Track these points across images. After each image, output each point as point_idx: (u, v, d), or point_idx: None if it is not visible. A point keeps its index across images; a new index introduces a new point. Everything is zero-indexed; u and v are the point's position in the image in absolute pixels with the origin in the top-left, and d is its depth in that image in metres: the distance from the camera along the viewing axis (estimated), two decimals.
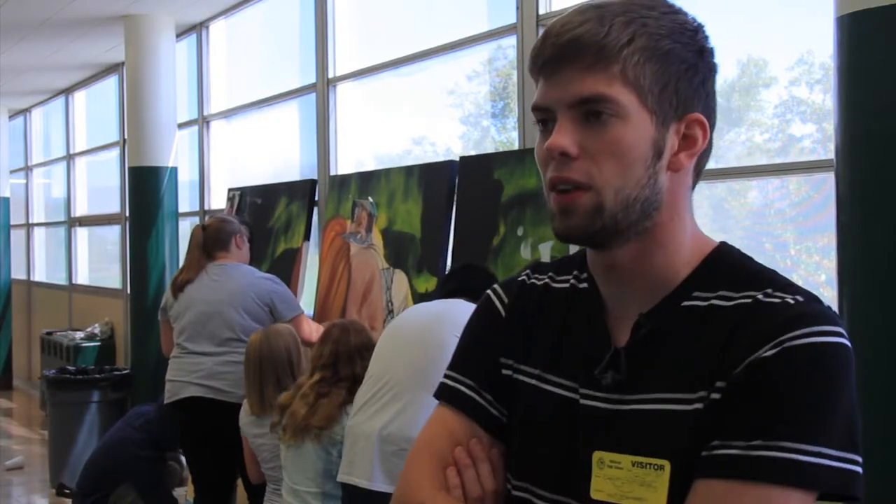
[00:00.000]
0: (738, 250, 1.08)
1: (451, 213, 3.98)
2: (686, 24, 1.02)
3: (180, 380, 3.96)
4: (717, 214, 3.47)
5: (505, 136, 4.60)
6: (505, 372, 1.15)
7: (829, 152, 2.73)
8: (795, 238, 3.23)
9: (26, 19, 6.47)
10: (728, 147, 3.43)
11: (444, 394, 1.18)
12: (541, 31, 4.22)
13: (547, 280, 1.18)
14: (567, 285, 1.15)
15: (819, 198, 3.03)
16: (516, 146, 3.93)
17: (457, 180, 3.98)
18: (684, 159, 1.03)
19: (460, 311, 2.96)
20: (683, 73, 1.01)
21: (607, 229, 1.01)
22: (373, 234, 4.43)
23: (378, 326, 4.21)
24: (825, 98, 3.08)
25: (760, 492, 0.91)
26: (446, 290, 3.14)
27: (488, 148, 4.67)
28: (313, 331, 4.02)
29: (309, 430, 3.12)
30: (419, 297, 3.95)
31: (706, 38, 1.04)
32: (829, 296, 2.73)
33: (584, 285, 1.13)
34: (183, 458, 4.93)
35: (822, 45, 2.91)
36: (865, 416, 2.17)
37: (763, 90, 3.33)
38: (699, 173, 1.08)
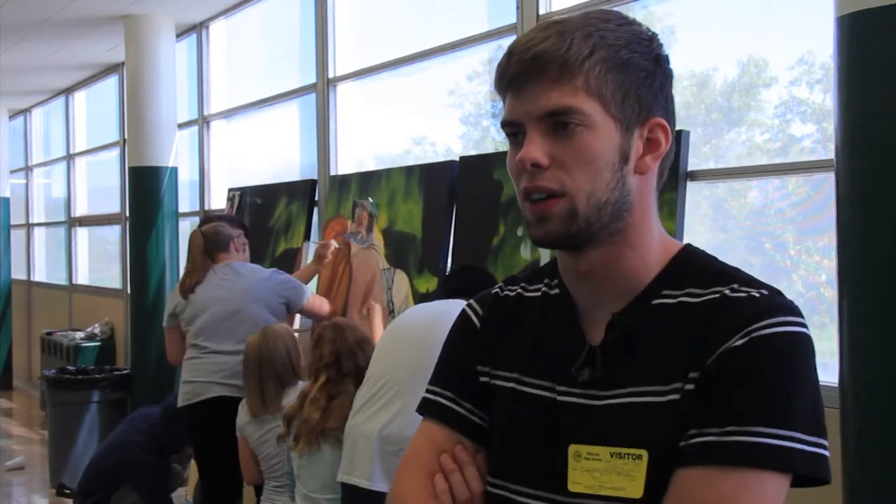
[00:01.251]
0: (703, 251, 1.14)
1: (451, 213, 3.98)
2: (641, 35, 1.08)
3: (202, 380, 3.93)
4: (717, 214, 3.47)
5: (505, 136, 4.60)
6: (482, 379, 1.20)
7: (829, 152, 2.74)
8: (795, 238, 3.23)
9: (26, 19, 6.47)
10: (728, 147, 3.43)
11: (427, 408, 1.24)
12: None
13: (519, 290, 1.23)
14: (539, 293, 1.21)
15: (819, 198, 3.03)
16: None
17: (457, 180, 3.99)
18: (649, 162, 1.09)
19: (460, 311, 2.96)
20: (643, 80, 1.07)
21: (582, 232, 1.06)
22: (373, 234, 4.43)
23: None
24: (825, 98, 3.08)
25: (737, 476, 0.95)
26: (446, 291, 3.15)
27: (488, 148, 4.67)
28: (323, 304, 4.22)
29: (326, 433, 3.11)
30: (420, 298, 3.95)
31: (661, 45, 1.11)
32: (829, 296, 2.73)
33: (556, 291, 1.18)
34: (184, 461, 4.94)
35: (822, 45, 2.91)
36: (866, 416, 2.17)
37: (763, 90, 3.33)
38: (663, 174, 1.14)
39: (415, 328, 2.98)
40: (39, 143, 10.97)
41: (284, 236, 5.22)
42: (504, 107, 1.10)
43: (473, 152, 4.55)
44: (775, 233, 3.34)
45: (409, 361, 2.88)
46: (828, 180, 2.68)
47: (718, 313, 1.03)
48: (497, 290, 1.26)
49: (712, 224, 3.40)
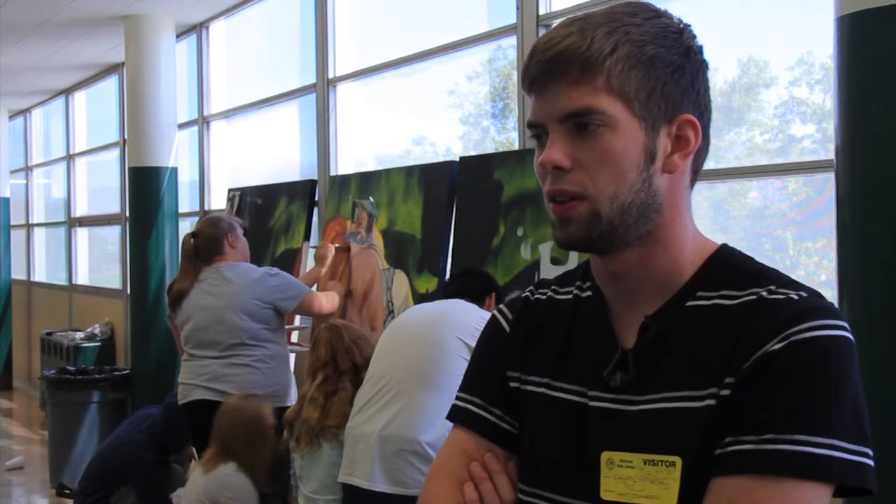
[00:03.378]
0: (740, 251, 1.10)
1: (451, 213, 3.98)
2: (670, 27, 1.04)
3: (189, 382, 3.97)
4: (717, 214, 3.47)
5: (505, 137, 4.60)
6: (512, 384, 1.16)
7: (829, 152, 2.74)
8: (795, 238, 3.23)
9: (26, 19, 6.47)
10: (728, 147, 3.43)
11: (456, 415, 1.20)
12: (541, 32, 4.20)
13: (550, 293, 1.20)
14: (570, 296, 1.17)
15: (818, 197, 3.03)
16: (516, 146, 3.93)
17: (457, 181, 3.98)
18: (678, 160, 1.05)
19: (460, 311, 2.96)
20: (670, 75, 1.02)
21: (605, 235, 1.03)
22: (373, 234, 4.43)
23: (378, 327, 4.21)
24: (825, 98, 3.08)
25: (776, 486, 0.91)
26: (447, 294, 3.17)
27: (488, 148, 4.67)
28: (325, 302, 4.06)
29: (325, 431, 3.12)
30: (420, 298, 3.96)
31: (693, 37, 1.05)
32: (829, 296, 2.73)
33: (588, 294, 1.14)
34: (185, 460, 4.93)
35: (822, 46, 2.91)
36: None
37: (763, 90, 3.33)
38: (697, 171, 1.10)
39: (414, 328, 2.98)
40: (39, 144, 10.97)
41: (284, 237, 5.22)
42: (530, 107, 1.07)
43: (473, 152, 4.55)
44: (775, 233, 3.34)
45: (408, 362, 2.88)
46: (828, 180, 2.68)
47: (755, 316, 0.99)
48: (527, 293, 1.22)
49: (712, 224, 3.40)
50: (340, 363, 3.24)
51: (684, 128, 1.04)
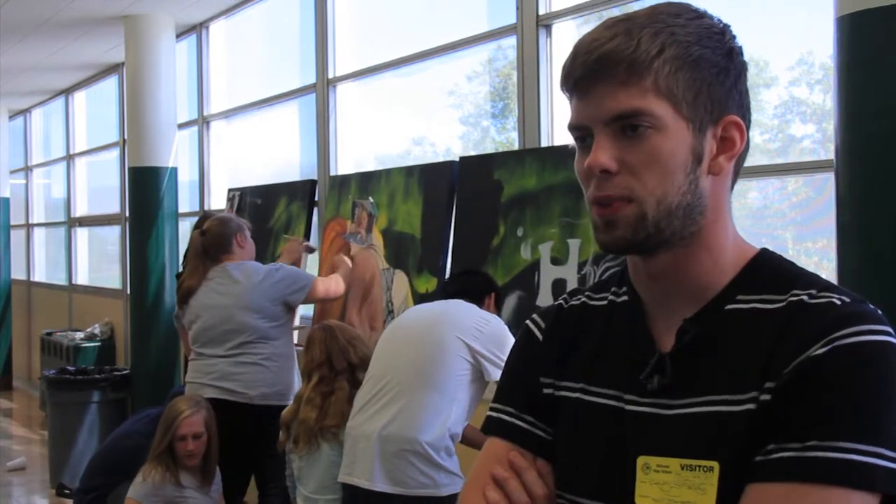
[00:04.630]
0: (781, 255, 1.09)
1: (451, 213, 3.98)
2: (712, 28, 1.03)
3: (197, 381, 3.97)
4: None
5: (505, 137, 4.61)
6: (546, 391, 1.15)
7: (829, 152, 2.74)
8: (795, 239, 3.23)
9: (26, 19, 6.47)
10: None
11: (489, 426, 1.19)
12: (541, 32, 4.18)
13: (584, 299, 1.18)
14: (605, 302, 1.16)
15: (818, 197, 3.03)
16: (516, 146, 3.93)
17: (457, 181, 3.99)
18: (724, 162, 1.04)
19: (460, 311, 2.97)
20: (715, 76, 1.02)
21: (652, 238, 1.02)
22: (373, 234, 4.43)
23: (378, 327, 4.21)
24: (825, 98, 3.08)
25: (820, 493, 0.89)
26: (447, 294, 3.16)
27: (488, 148, 4.67)
28: (330, 287, 4.06)
29: (324, 431, 3.12)
30: (419, 298, 3.96)
31: (733, 37, 1.05)
32: None
33: (624, 298, 1.13)
34: None
35: (822, 46, 2.91)
36: None
37: (763, 90, 3.33)
38: (737, 173, 1.09)
39: (415, 328, 2.98)
40: (39, 144, 10.97)
41: (285, 237, 5.22)
42: (570, 109, 1.05)
43: (473, 153, 4.55)
44: (775, 233, 3.34)
45: (409, 362, 2.88)
46: (828, 180, 2.68)
47: (797, 320, 0.97)
48: (561, 302, 1.21)
49: None
50: (336, 363, 3.23)
51: (730, 129, 1.03)
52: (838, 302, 0.97)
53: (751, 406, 0.96)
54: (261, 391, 3.85)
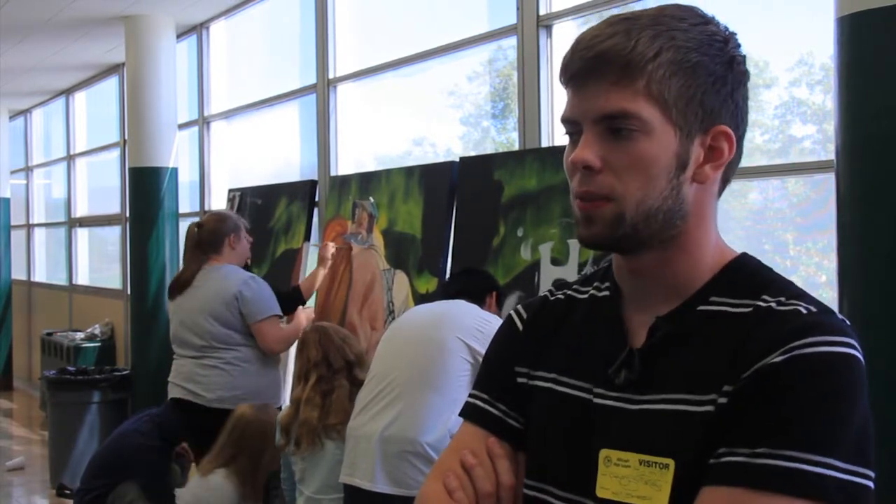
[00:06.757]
0: (759, 261, 1.09)
1: (451, 213, 3.98)
2: (716, 35, 1.03)
3: (170, 380, 4.12)
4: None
5: (505, 137, 4.61)
6: (520, 380, 1.17)
7: (829, 153, 2.74)
8: (795, 239, 3.23)
9: (27, 20, 6.47)
10: None
11: (465, 410, 1.22)
12: (541, 32, 4.18)
13: (570, 292, 1.20)
14: (587, 296, 1.18)
15: (818, 198, 3.03)
16: (516, 147, 3.93)
17: (457, 181, 3.99)
18: (710, 171, 1.04)
19: (461, 311, 2.97)
20: (710, 85, 1.01)
21: (628, 237, 1.03)
22: (374, 234, 4.43)
23: (379, 327, 4.21)
24: (825, 99, 3.08)
25: (764, 501, 0.90)
26: (448, 293, 3.16)
27: (488, 148, 4.67)
28: (279, 339, 4.00)
29: (328, 429, 3.12)
30: (420, 298, 3.96)
31: (737, 46, 1.05)
32: (830, 296, 2.73)
33: (605, 293, 1.15)
34: (185, 463, 4.94)
35: (822, 46, 2.92)
36: None
37: (763, 91, 3.33)
38: (727, 181, 1.09)
39: (416, 329, 2.98)
40: (40, 144, 10.97)
41: (285, 237, 5.22)
42: (566, 100, 1.06)
43: (473, 153, 4.55)
44: (775, 234, 3.34)
45: (410, 362, 2.88)
46: (828, 181, 2.68)
47: (760, 326, 0.98)
48: (546, 294, 1.23)
49: None
50: (333, 361, 3.25)
51: (719, 139, 1.03)
52: (804, 311, 0.98)
53: (709, 408, 0.97)
54: (218, 394, 3.91)
